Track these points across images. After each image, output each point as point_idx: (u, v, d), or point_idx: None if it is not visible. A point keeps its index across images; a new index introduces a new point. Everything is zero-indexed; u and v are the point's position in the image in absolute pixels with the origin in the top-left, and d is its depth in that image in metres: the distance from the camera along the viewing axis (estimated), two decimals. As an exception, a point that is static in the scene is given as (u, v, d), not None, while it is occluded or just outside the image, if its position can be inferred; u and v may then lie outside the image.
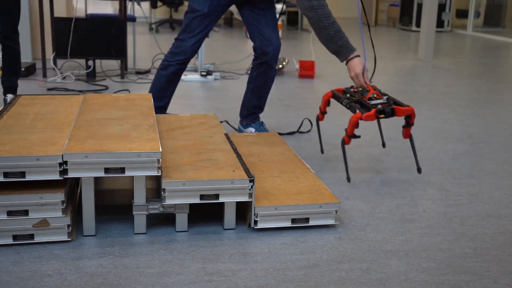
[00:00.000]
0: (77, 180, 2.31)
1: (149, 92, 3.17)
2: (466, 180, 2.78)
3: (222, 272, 1.84)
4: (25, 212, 1.92)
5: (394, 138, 3.45)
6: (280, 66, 5.45)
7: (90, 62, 4.86)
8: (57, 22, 4.77)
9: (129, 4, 6.08)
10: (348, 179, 2.64)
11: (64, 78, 4.84)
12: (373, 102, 2.61)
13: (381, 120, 3.79)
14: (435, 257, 1.99)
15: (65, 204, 1.95)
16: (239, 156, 2.32)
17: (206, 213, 2.28)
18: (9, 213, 1.91)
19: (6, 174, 1.90)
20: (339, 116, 3.97)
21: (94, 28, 4.80)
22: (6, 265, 1.82)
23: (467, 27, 10.53)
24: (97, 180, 2.36)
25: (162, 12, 10.55)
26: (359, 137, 2.63)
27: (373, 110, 2.53)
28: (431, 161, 3.05)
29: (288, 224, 2.15)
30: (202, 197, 2.07)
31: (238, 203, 2.22)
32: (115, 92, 4.40)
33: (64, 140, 2.07)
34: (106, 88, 4.55)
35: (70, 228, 1.98)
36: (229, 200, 2.09)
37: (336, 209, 2.17)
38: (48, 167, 1.92)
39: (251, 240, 2.07)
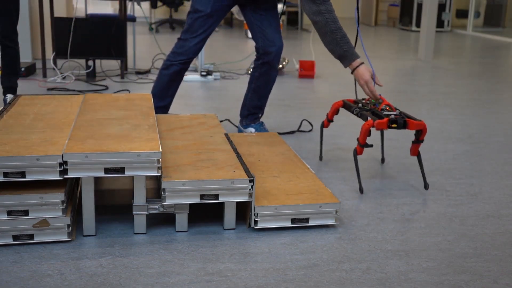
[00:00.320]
0: (77, 180, 2.31)
1: (152, 91, 3.18)
2: (466, 180, 2.78)
3: (222, 272, 1.84)
4: (25, 212, 1.92)
5: (394, 138, 3.45)
6: (280, 66, 5.45)
7: (90, 62, 4.86)
8: (57, 22, 4.77)
9: (129, 4, 6.08)
10: (361, 190, 2.54)
11: (64, 78, 4.84)
12: (386, 112, 2.57)
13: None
14: (435, 257, 1.99)
15: (65, 204, 1.95)
16: (239, 156, 2.32)
17: (206, 213, 2.28)
18: (9, 213, 1.91)
19: (6, 174, 1.90)
20: (340, 116, 3.97)
21: (94, 28, 4.80)
22: (6, 265, 1.82)
23: (467, 27, 10.53)
24: (97, 180, 2.36)
25: (162, 12, 10.55)
26: (371, 146, 2.55)
27: (386, 119, 2.47)
28: (431, 161, 3.05)
29: (288, 224, 2.15)
30: (202, 197, 2.07)
31: (238, 203, 2.22)
32: (115, 92, 4.40)
33: (64, 140, 2.07)
34: (106, 88, 4.55)
35: (70, 228, 1.98)
36: (229, 200, 2.09)
37: (336, 209, 2.17)
38: (48, 167, 1.92)
39: (251, 240, 2.07)
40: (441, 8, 10.20)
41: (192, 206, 2.31)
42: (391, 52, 7.41)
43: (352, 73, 2.68)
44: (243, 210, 2.23)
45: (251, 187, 2.09)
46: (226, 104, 4.15)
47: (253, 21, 3.08)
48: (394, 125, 2.48)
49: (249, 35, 8.55)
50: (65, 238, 1.98)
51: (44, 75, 4.87)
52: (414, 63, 6.54)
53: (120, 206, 2.29)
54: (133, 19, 5.60)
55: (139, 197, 2.04)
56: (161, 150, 2.01)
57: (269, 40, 3.07)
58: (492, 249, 2.07)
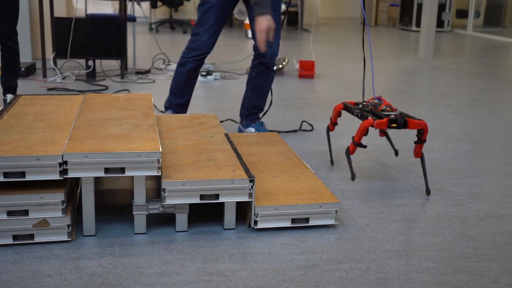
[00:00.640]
0: (77, 180, 2.31)
1: (170, 89, 3.23)
2: (466, 180, 2.78)
3: (222, 272, 1.84)
4: (25, 212, 1.92)
5: (395, 138, 3.45)
6: (280, 66, 5.45)
7: (90, 62, 4.86)
8: (57, 22, 4.77)
9: (129, 4, 6.08)
10: (353, 177, 2.56)
11: (64, 78, 4.84)
12: (386, 113, 2.57)
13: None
14: (435, 257, 1.99)
15: (65, 204, 1.95)
16: (239, 156, 2.32)
17: (206, 213, 2.28)
18: (9, 213, 1.91)
19: (6, 174, 1.90)
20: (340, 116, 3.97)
21: (94, 28, 4.80)
22: (6, 265, 1.82)
23: (467, 27, 10.53)
24: (97, 180, 2.36)
25: (162, 12, 10.55)
26: (365, 146, 2.56)
27: (386, 118, 2.48)
28: (431, 161, 3.05)
29: (288, 224, 2.15)
30: (202, 197, 2.07)
31: (238, 203, 2.22)
32: (115, 92, 4.40)
33: (64, 140, 2.07)
34: (106, 88, 4.55)
35: (70, 228, 1.98)
36: (229, 200, 2.09)
37: (336, 209, 2.17)
38: (48, 167, 1.92)
39: (251, 240, 2.07)
40: (441, 8, 10.20)
41: (192, 206, 2.31)
42: (391, 52, 7.41)
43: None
44: (243, 210, 2.23)
45: (251, 187, 2.09)
46: (226, 104, 4.15)
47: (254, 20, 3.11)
48: (394, 125, 2.48)
49: (249, 35, 8.56)
50: (65, 238, 1.98)
51: (44, 75, 4.87)
52: (414, 63, 6.54)
53: (120, 206, 2.29)
54: (133, 19, 5.60)
55: (139, 197, 2.04)
56: (161, 150, 2.01)
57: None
58: (492, 249, 2.07)
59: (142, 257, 1.91)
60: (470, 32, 10.38)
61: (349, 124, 3.75)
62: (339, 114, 2.86)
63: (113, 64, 5.61)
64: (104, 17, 5.37)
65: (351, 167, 2.57)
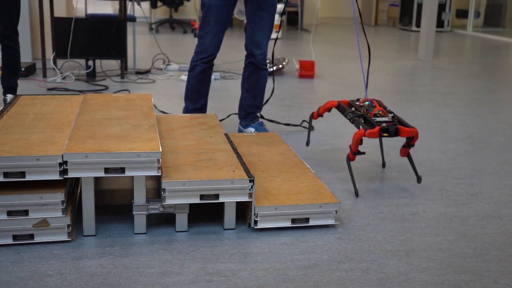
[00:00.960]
0: (77, 180, 2.31)
1: (184, 95, 3.23)
2: (466, 180, 2.78)
3: (222, 272, 1.84)
4: (25, 212, 1.92)
5: (393, 139, 3.45)
6: (280, 66, 5.45)
7: (90, 62, 4.86)
8: (57, 22, 4.77)
9: (129, 4, 6.08)
10: (356, 194, 2.52)
11: (64, 78, 4.84)
12: (378, 119, 2.56)
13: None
14: (435, 257, 1.99)
15: (65, 204, 1.95)
16: (239, 156, 2.32)
17: (206, 213, 2.28)
18: (9, 213, 1.91)
19: (6, 174, 1.90)
20: (339, 116, 3.97)
21: (94, 28, 4.80)
22: (6, 265, 1.82)
23: (467, 27, 10.53)
24: (97, 180, 2.36)
25: (162, 12, 10.55)
26: (363, 153, 2.56)
27: (377, 128, 2.48)
28: (431, 161, 3.05)
29: (288, 224, 2.15)
30: (202, 197, 2.07)
31: (238, 203, 2.22)
32: (115, 92, 4.40)
33: (64, 140, 2.07)
34: (106, 88, 4.55)
35: (70, 228, 1.98)
36: (229, 200, 2.09)
37: (336, 209, 2.17)
38: (48, 167, 1.92)
39: (251, 240, 2.07)
40: (441, 8, 10.19)
41: (192, 206, 2.31)
42: (391, 52, 7.41)
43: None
44: (243, 210, 2.23)
45: (251, 187, 2.09)
46: (226, 104, 4.15)
47: (249, 20, 3.15)
48: (385, 134, 2.48)
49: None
50: (65, 238, 1.98)
51: (44, 75, 4.87)
52: (414, 63, 6.54)
53: (120, 206, 2.29)
54: (133, 19, 5.60)
55: (139, 197, 2.04)
56: (161, 150, 2.01)
57: (256, 43, 3.14)
58: (492, 249, 2.07)
59: (142, 257, 1.91)
60: (470, 32, 10.38)
61: (349, 123, 3.75)
62: (329, 110, 2.86)
63: (113, 64, 5.61)
64: (104, 17, 5.37)
65: (353, 180, 2.53)
